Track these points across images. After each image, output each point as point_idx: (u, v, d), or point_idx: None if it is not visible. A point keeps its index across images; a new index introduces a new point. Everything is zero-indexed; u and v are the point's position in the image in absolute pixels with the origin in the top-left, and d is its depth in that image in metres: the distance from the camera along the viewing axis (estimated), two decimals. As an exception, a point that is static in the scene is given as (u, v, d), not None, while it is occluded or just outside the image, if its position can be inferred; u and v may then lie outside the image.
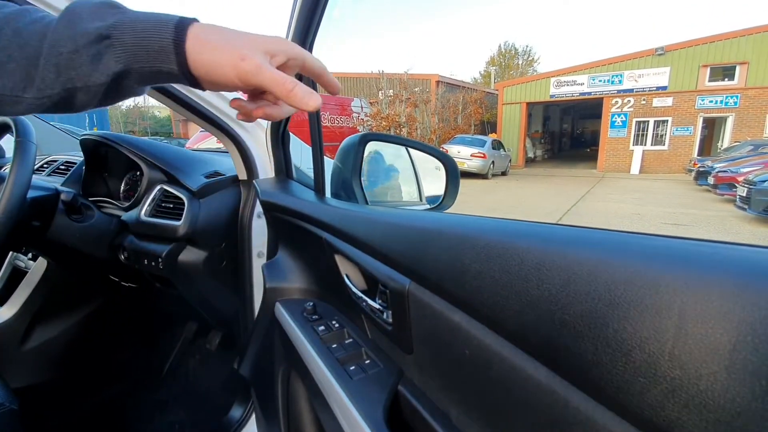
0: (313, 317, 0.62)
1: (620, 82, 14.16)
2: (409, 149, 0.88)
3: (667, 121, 13.75)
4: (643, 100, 13.91)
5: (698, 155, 12.63)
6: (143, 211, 0.96)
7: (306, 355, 0.56)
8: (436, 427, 0.40)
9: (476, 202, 7.75)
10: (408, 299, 0.44)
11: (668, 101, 13.57)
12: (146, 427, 1.27)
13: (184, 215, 0.91)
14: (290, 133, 0.88)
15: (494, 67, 39.75)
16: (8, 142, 0.91)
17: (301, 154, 0.99)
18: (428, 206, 0.91)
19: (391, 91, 13.14)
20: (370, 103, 13.72)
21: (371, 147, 0.76)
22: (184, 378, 1.47)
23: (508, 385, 0.33)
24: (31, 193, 0.87)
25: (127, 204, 1.05)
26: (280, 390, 0.72)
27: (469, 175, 12.46)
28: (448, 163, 0.82)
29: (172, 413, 1.33)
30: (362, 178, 0.75)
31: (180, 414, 1.32)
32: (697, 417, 0.21)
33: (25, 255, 1.33)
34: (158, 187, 0.98)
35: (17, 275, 1.34)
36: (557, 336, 0.28)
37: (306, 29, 0.59)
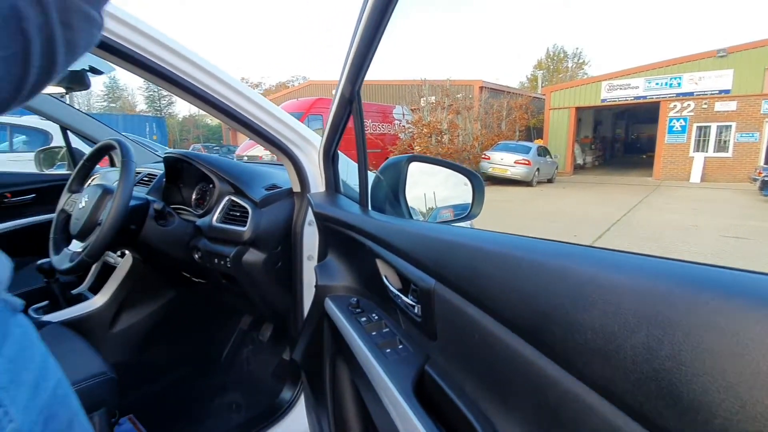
0: (357, 310, 0.74)
1: (679, 85, 13.34)
2: (442, 167, 0.99)
3: (731, 126, 12.77)
4: (704, 104, 13.02)
5: (764, 163, 11.61)
6: (215, 218, 1.13)
7: (351, 341, 0.68)
8: (453, 399, 0.51)
9: (517, 211, 7.62)
10: (433, 296, 0.54)
11: (732, 105, 12.61)
12: (208, 406, 1.45)
13: (248, 222, 1.06)
14: (339, 152, 1.02)
15: (541, 71, 38.65)
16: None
17: (347, 169, 1.12)
18: (459, 215, 1.01)
19: (433, 97, 13.20)
20: (412, 110, 13.86)
21: (413, 166, 0.88)
22: (239, 365, 1.65)
23: (507, 362, 0.43)
24: (130, 202, 1.06)
25: (200, 211, 1.24)
26: (328, 372, 0.84)
27: (512, 182, 12.22)
28: (474, 179, 0.92)
29: (229, 395, 1.51)
30: (405, 194, 0.86)
31: (236, 396, 1.50)
32: None
33: (114, 252, 1.56)
34: (227, 198, 1.14)
35: (107, 269, 1.58)
36: (541, 322, 0.37)
37: (370, 41, 0.66)
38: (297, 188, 1.11)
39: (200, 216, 1.22)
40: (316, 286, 0.87)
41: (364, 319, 0.71)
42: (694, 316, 0.27)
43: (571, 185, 12.99)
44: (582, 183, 13.67)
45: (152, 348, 1.57)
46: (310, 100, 12.49)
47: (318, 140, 1.07)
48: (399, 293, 0.63)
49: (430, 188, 1.22)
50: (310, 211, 1.06)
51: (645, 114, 19.22)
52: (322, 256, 0.96)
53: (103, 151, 1.19)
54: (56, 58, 0.38)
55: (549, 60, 40.11)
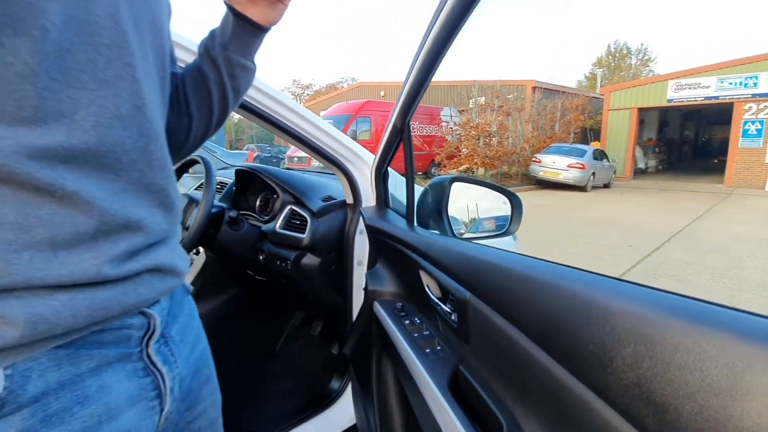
0: (401, 314, 0.84)
1: (755, 84, 12.14)
2: (483, 187, 1.07)
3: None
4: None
5: None
6: (277, 224, 1.29)
7: (396, 341, 0.79)
8: (482, 395, 0.60)
9: (567, 218, 7.35)
10: (468, 306, 0.64)
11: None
12: (263, 392, 1.62)
13: (307, 230, 1.20)
14: (389, 170, 1.13)
15: (601, 69, 36.63)
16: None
17: (395, 182, 1.23)
18: (501, 226, 1.08)
19: (482, 99, 13.00)
20: (460, 111, 13.74)
21: (456, 186, 0.97)
22: (291, 356, 1.81)
23: (527, 366, 0.51)
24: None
25: (265, 217, 1.40)
26: (374, 366, 0.95)
27: (564, 186, 11.77)
28: (513, 199, 0.99)
29: (282, 383, 1.67)
30: (449, 212, 0.95)
31: (289, 384, 1.65)
32: None
33: (191, 251, 1.78)
34: (288, 208, 1.29)
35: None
36: (555, 335, 0.46)
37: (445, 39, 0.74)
38: (350, 200, 1.23)
39: (265, 222, 1.38)
40: (366, 291, 0.98)
41: (407, 321, 0.81)
42: (669, 337, 0.35)
43: (629, 191, 12.27)
44: (642, 189, 12.85)
45: (217, 337, 1.77)
46: (358, 103, 12.78)
47: (369, 157, 1.19)
48: (439, 301, 0.73)
49: (473, 200, 1.30)
50: (360, 220, 1.18)
51: (718, 115, 17.67)
52: (371, 264, 1.08)
53: (189, 165, 1.39)
54: (228, 104, 0.60)
55: (610, 57, 37.88)
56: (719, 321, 0.33)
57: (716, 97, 13.02)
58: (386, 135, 0.93)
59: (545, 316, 0.48)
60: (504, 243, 1.62)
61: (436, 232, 0.94)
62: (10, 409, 0.34)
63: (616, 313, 0.40)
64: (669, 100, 14.11)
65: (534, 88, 16.20)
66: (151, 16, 0.47)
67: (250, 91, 0.97)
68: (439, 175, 12.98)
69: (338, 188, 1.31)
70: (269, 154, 15.61)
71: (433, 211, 0.96)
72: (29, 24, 0.32)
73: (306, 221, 1.23)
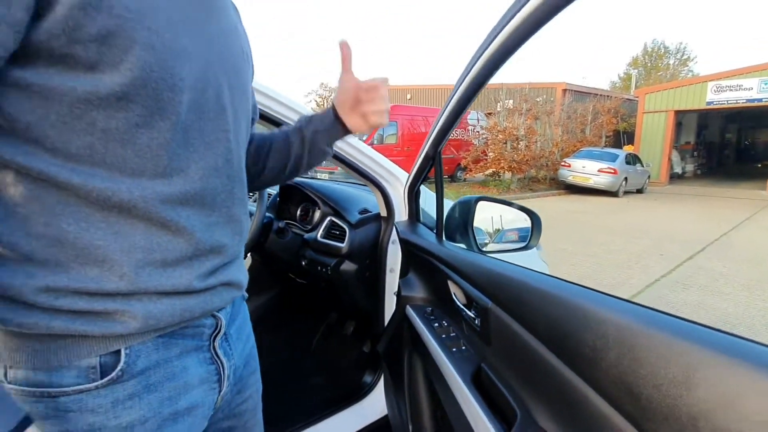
0: (431, 318, 0.97)
1: (802, 87, 11.53)
2: (506, 206, 1.18)
3: None
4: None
5: None
6: (319, 234, 1.44)
7: (426, 341, 0.91)
8: (501, 388, 0.72)
9: (596, 224, 7.23)
10: (489, 313, 0.76)
11: None
12: (303, 384, 1.77)
13: (345, 240, 1.35)
14: (420, 187, 1.25)
15: (636, 70, 35.35)
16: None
17: (425, 198, 1.35)
18: (523, 237, 1.19)
19: (510, 102, 12.88)
20: (487, 114, 13.66)
21: (480, 204, 1.09)
22: (326, 353, 1.96)
23: (539, 365, 0.63)
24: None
25: (307, 226, 1.56)
26: (406, 363, 1.08)
27: (595, 192, 11.52)
28: (533, 217, 1.10)
29: (318, 377, 1.82)
30: (474, 228, 1.07)
31: (324, 378, 1.80)
32: None
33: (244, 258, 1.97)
34: (328, 219, 1.44)
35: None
36: (561, 339, 0.58)
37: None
38: (384, 213, 1.37)
39: (307, 231, 1.54)
40: (400, 296, 1.11)
41: (436, 324, 0.93)
42: (643, 342, 0.46)
43: (664, 197, 11.88)
44: (678, 194, 12.41)
45: (259, 332, 1.94)
46: (386, 107, 12.92)
47: (402, 174, 1.32)
48: (464, 308, 0.85)
49: (498, 212, 1.41)
50: (393, 232, 1.31)
51: (762, 117, 16.80)
52: (404, 272, 1.21)
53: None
54: (298, 170, 0.77)
55: (646, 57, 36.52)
56: (680, 331, 0.45)
57: (759, 99, 12.43)
58: (419, 160, 1.06)
59: (553, 323, 0.60)
60: (528, 253, 1.72)
61: (463, 246, 1.06)
62: (126, 378, 0.49)
63: (605, 322, 0.52)
64: (708, 103, 13.57)
65: (564, 90, 15.91)
66: (242, 85, 0.62)
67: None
68: (465, 178, 13.01)
69: (372, 201, 1.44)
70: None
71: (460, 226, 1.08)
72: (170, 111, 0.47)
73: (345, 231, 1.37)
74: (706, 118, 18.60)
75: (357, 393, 1.49)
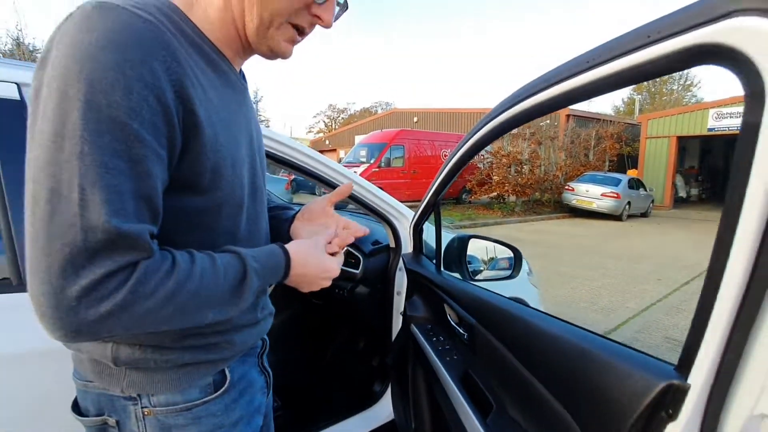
0: (431, 334, 1.20)
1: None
2: (494, 243, 1.43)
3: None
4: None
5: None
6: (337, 261, 1.68)
7: (427, 353, 1.14)
8: (482, 387, 0.94)
9: (598, 249, 7.39)
10: (474, 329, 0.99)
11: None
12: (319, 394, 1.98)
13: (360, 267, 1.59)
14: (423, 226, 1.50)
15: (640, 95, 35.84)
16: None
17: (427, 230, 1.60)
18: (503, 273, 1.43)
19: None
20: (493, 139, 13.99)
21: (472, 241, 1.33)
22: (339, 366, 2.17)
23: (509, 369, 0.86)
24: None
25: (326, 254, 1.81)
26: (410, 372, 1.31)
27: (599, 215, 11.70)
28: (515, 252, 1.34)
29: (333, 387, 2.03)
30: (467, 261, 1.32)
31: (339, 388, 2.01)
32: None
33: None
34: (345, 249, 1.69)
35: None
36: (525, 350, 0.81)
37: None
38: (392, 244, 1.61)
39: None
40: (405, 315, 1.35)
41: (434, 339, 1.17)
42: (570, 350, 0.69)
43: (667, 221, 12.00)
44: (682, 219, 12.53)
45: (280, 348, 2.17)
46: (393, 131, 13.35)
47: (408, 212, 1.57)
48: (456, 325, 1.08)
49: (490, 244, 1.65)
50: (400, 260, 1.55)
51: None
52: (409, 295, 1.44)
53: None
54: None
55: (650, 82, 37.08)
56: (596, 345, 0.68)
57: (760, 127, 12.65)
58: (423, 205, 1.31)
59: (519, 339, 0.83)
60: (519, 280, 1.96)
61: (457, 275, 1.29)
62: (230, 388, 0.70)
63: (548, 336, 0.75)
64: (710, 129, 13.83)
65: (568, 116, 16.28)
66: (264, 164, 0.82)
67: (321, 166, 1.37)
68: (469, 201, 13.25)
69: (382, 232, 1.69)
70: (303, 178, 16.34)
71: (455, 258, 1.32)
72: (241, 204, 0.66)
73: (359, 259, 1.61)
74: (709, 143, 18.81)
75: (368, 400, 1.70)
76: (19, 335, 0.83)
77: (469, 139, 1.00)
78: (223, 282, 0.56)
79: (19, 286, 0.84)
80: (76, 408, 0.67)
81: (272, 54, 0.65)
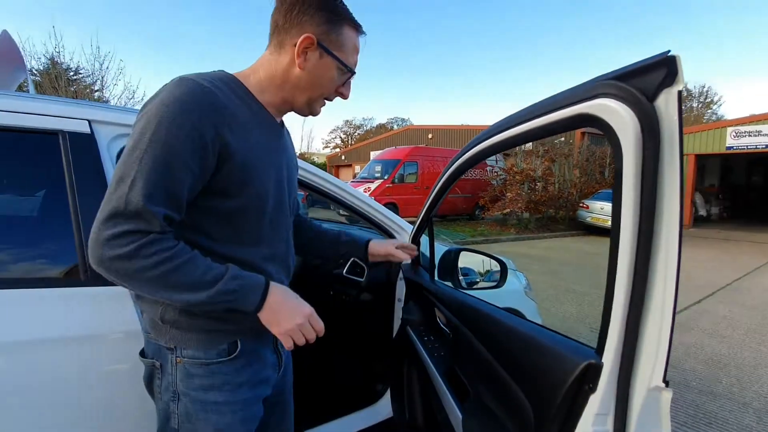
0: (423, 335, 1.36)
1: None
2: (483, 256, 1.59)
3: None
4: None
5: None
6: (344, 270, 1.86)
7: (419, 351, 1.30)
8: (463, 379, 1.10)
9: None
10: (458, 329, 1.15)
11: None
12: (326, 390, 2.14)
13: (365, 276, 1.76)
14: (420, 239, 1.67)
15: (658, 112, 35.30)
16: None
17: (425, 240, 1.77)
18: (493, 283, 1.58)
19: (529, 144, 13.34)
20: (505, 155, 14.12)
21: (462, 255, 1.50)
22: (344, 366, 2.33)
23: (483, 362, 1.02)
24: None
25: (337, 265, 1.99)
26: (406, 370, 1.46)
27: (613, 233, 11.57)
28: (501, 264, 1.50)
29: (336, 383, 2.18)
30: (459, 272, 1.48)
31: (341, 384, 2.16)
32: None
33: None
34: (352, 260, 1.87)
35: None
36: (497, 346, 0.97)
37: None
38: (394, 256, 1.79)
39: (334, 268, 1.97)
40: (402, 319, 1.51)
41: (425, 338, 1.33)
42: (527, 344, 0.86)
43: (685, 240, 11.66)
44: (701, 237, 12.30)
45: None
46: (407, 148, 13.64)
47: (408, 227, 1.75)
48: (444, 326, 1.24)
49: (483, 257, 1.81)
50: (400, 271, 1.72)
51: (789, 161, 16.58)
52: (406, 301, 1.61)
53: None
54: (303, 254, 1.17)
55: (668, 99, 36.63)
56: (539, 333, 0.84)
57: (780, 146, 12.46)
58: (419, 220, 1.49)
59: (494, 338, 0.99)
60: (516, 293, 2.11)
61: (449, 284, 1.46)
62: (240, 356, 0.87)
63: (513, 331, 0.91)
64: (728, 148, 13.64)
65: (583, 133, 16.30)
66: (294, 186, 1.04)
67: (336, 188, 1.58)
68: (483, 217, 13.34)
69: None
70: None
71: (449, 268, 1.49)
72: (264, 211, 0.88)
73: (364, 269, 1.79)
74: (729, 161, 18.48)
75: (370, 398, 1.86)
76: (87, 321, 1.04)
77: (450, 167, 1.19)
78: (203, 272, 0.75)
79: (87, 282, 1.05)
80: (142, 353, 0.91)
81: (309, 115, 0.95)
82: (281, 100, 0.90)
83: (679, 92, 0.51)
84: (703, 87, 35.44)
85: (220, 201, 0.81)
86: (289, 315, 0.84)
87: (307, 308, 0.88)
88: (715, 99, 34.82)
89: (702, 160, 15.61)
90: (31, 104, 1.09)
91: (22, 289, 1.01)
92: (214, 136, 0.75)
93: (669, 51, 0.50)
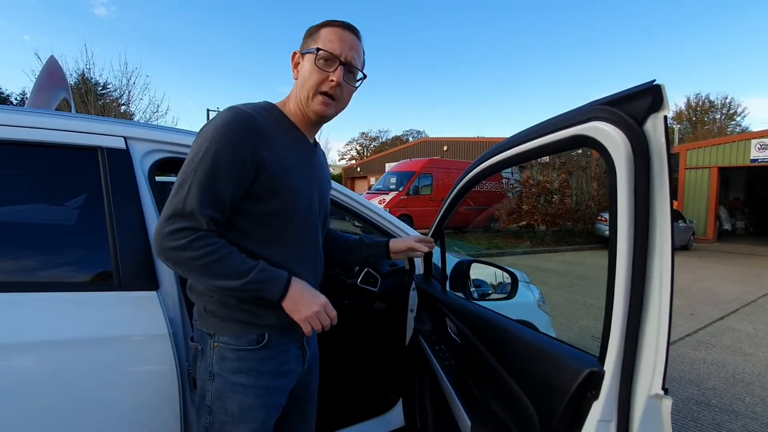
0: (434, 343, 1.40)
1: None
2: (495, 268, 1.62)
3: None
4: None
5: None
6: (358, 280, 1.91)
7: (431, 360, 1.34)
8: (472, 387, 1.14)
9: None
10: (469, 338, 1.19)
11: None
12: (341, 398, 2.17)
13: (378, 285, 1.81)
14: (432, 251, 1.72)
15: (679, 125, 34.72)
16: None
17: (436, 253, 1.81)
18: (504, 295, 1.61)
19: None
20: (521, 168, 14.06)
21: (474, 266, 1.53)
22: (358, 374, 2.36)
23: (492, 372, 1.05)
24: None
25: (350, 275, 2.04)
26: (417, 378, 1.50)
27: (632, 247, 11.31)
28: (512, 276, 1.53)
29: (351, 391, 2.21)
30: (471, 283, 1.52)
31: (356, 392, 2.19)
32: None
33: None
34: (366, 269, 1.92)
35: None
36: (506, 356, 1.01)
37: None
38: (407, 267, 1.83)
39: (348, 277, 2.02)
40: (415, 329, 1.55)
41: (437, 347, 1.37)
42: (534, 352, 0.89)
43: (709, 254, 11.48)
44: (726, 252, 11.94)
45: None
46: (421, 161, 13.71)
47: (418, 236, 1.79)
48: (454, 336, 1.28)
49: (495, 269, 1.84)
50: (413, 281, 1.76)
51: (819, 174, 16.00)
52: (419, 311, 1.65)
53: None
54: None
55: (690, 111, 35.97)
56: (545, 342, 0.88)
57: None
58: (431, 233, 1.53)
59: (502, 348, 1.03)
60: (529, 306, 2.12)
61: (461, 294, 1.50)
62: (266, 347, 0.98)
63: (520, 340, 0.95)
64: (753, 160, 13.30)
65: (600, 145, 16.07)
66: (326, 198, 1.13)
67: (351, 201, 1.64)
68: (498, 229, 13.25)
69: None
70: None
71: (460, 280, 1.53)
72: (296, 216, 1.00)
73: (377, 279, 1.84)
74: (755, 173, 17.95)
75: (383, 406, 1.88)
76: (118, 322, 1.11)
77: (457, 184, 1.25)
78: (238, 264, 0.90)
79: (120, 287, 1.13)
80: (192, 339, 1.05)
81: (316, 116, 1.03)
82: (301, 114, 1.04)
83: (665, 117, 0.56)
84: (726, 98, 34.62)
85: (255, 204, 0.95)
86: (307, 304, 0.96)
87: (322, 298, 0.99)
88: (739, 110, 33.96)
89: (725, 173, 15.22)
90: (74, 123, 1.19)
91: (61, 293, 1.09)
92: (253, 153, 0.91)
93: (654, 80, 0.55)
